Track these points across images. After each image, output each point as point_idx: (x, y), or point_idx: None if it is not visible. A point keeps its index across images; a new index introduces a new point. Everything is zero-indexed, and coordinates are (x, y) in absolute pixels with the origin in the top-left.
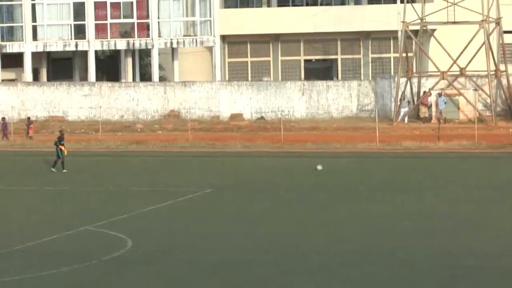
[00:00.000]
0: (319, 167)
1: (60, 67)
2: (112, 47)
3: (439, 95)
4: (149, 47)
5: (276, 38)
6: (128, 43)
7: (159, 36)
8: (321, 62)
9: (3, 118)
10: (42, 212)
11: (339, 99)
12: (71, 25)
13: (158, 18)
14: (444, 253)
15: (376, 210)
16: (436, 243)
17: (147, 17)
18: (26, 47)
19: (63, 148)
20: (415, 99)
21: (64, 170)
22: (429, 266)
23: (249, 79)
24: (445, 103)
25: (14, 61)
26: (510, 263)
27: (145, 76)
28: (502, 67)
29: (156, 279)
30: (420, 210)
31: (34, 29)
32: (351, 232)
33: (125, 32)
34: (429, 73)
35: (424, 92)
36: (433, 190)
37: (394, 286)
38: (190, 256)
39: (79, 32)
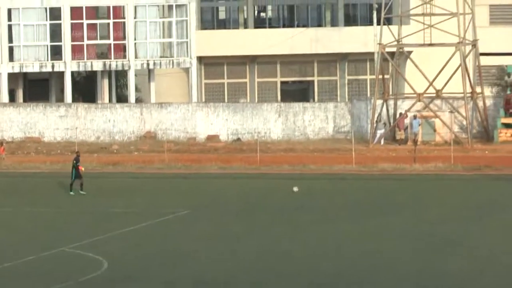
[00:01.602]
0: (296, 189)
1: (36, 88)
2: (89, 68)
3: (414, 117)
4: (126, 68)
5: (252, 59)
6: (104, 64)
7: (136, 57)
8: (297, 84)
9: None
10: (19, 232)
11: (316, 120)
12: (47, 46)
13: (135, 39)
14: (422, 273)
15: (353, 231)
16: (415, 263)
17: (124, 38)
18: (2, 68)
19: (82, 169)
20: (392, 121)
21: (83, 192)
22: (409, 287)
23: (226, 100)
24: (419, 125)
25: None
26: (488, 284)
27: (122, 97)
28: (478, 89)
29: None
30: (397, 231)
31: (11, 50)
32: (329, 252)
33: (102, 53)
34: (406, 95)
35: (400, 114)
36: (410, 211)
37: None
38: (167, 277)
39: (56, 53)
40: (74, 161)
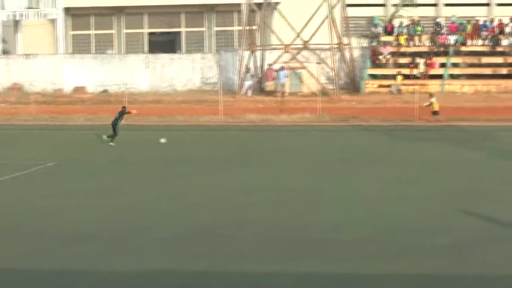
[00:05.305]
0: (163, 140)
1: None
2: None
3: (281, 68)
4: None
5: (120, 10)
6: None
7: (2, 8)
8: (165, 35)
9: None
10: None
11: (183, 72)
12: None
13: None
14: (290, 225)
15: (221, 183)
16: (281, 216)
17: None
18: None
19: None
20: (259, 72)
21: (111, 144)
22: (278, 239)
23: (93, 51)
24: (286, 76)
25: None
26: (354, 235)
27: None
28: (345, 40)
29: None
30: (264, 183)
31: None
32: (198, 204)
33: None
34: (273, 47)
35: (268, 65)
36: (277, 163)
37: (243, 258)
38: (35, 230)
39: None
40: (118, 115)
